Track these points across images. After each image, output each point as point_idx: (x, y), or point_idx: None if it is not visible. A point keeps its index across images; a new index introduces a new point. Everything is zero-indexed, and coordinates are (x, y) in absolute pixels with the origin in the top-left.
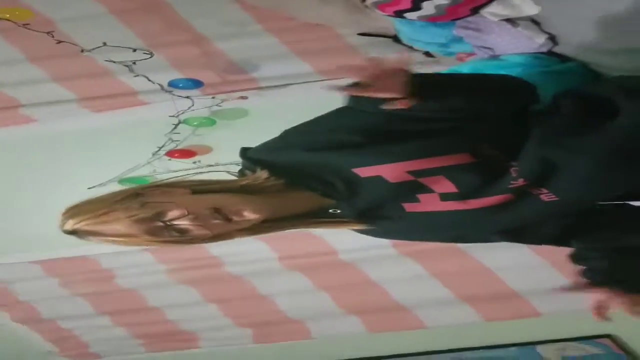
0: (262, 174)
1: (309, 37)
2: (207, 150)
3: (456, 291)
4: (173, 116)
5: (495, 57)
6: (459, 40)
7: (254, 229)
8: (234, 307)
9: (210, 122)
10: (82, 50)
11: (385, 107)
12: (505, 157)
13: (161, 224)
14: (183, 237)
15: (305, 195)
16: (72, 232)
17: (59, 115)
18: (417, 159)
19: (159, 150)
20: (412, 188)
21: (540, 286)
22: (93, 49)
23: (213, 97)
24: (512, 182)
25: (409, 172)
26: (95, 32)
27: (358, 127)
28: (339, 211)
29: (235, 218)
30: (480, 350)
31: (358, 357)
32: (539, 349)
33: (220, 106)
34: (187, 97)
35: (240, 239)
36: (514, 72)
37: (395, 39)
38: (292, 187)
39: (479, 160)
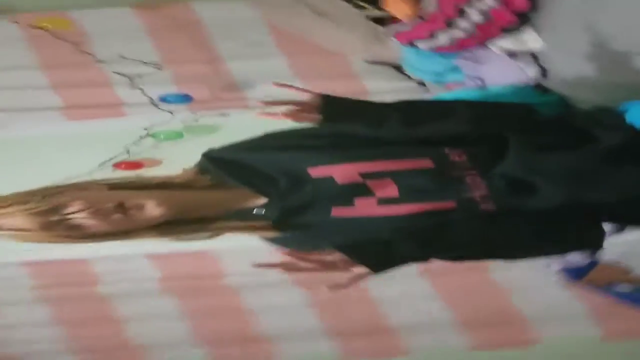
0: (194, 170)
1: (319, 61)
2: (156, 163)
3: (327, 325)
4: (145, 129)
5: (481, 87)
6: (454, 69)
7: (162, 231)
8: (80, 330)
9: (177, 135)
10: (98, 61)
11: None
12: (472, 165)
13: (57, 217)
14: (76, 233)
15: (231, 194)
16: None
17: (31, 120)
18: (372, 161)
19: (108, 160)
20: (355, 190)
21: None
22: (108, 60)
23: (194, 113)
24: (465, 191)
25: (360, 174)
26: (122, 44)
27: (325, 133)
28: (264, 212)
29: (136, 213)
30: None
31: None
32: None
33: (197, 121)
34: (170, 111)
35: (147, 239)
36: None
37: (397, 68)
38: (221, 185)
39: (438, 166)
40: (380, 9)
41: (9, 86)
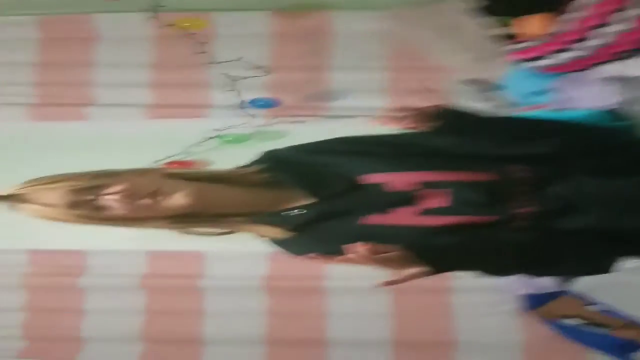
0: (253, 168)
1: (417, 78)
2: (205, 164)
3: (267, 333)
4: (216, 130)
5: (560, 109)
6: (547, 91)
7: (175, 221)
8: (41, 318)
9: (243, 139)
10: (210, 62)
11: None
12: (533, 182)
13: (89, 197)
14: (97, 214)
15: (281, 194)
16: (4, 198)
17: (110, 117)
18: (433, 171)
19: (162, 159)
20: (402, 199)
21: None
22: (221, 62)
23: (274, 118)
24: (513, 207)
25: (418, 182)
26: (243, 47)
27: (392, 142)
28: (301, 212)
29: (161, 201)
30: None
31: None
32: None
33: (270, 127)
34: (251, 115)
35: (157, 228)
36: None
37: (489, 89)
38: (276, 184)
39: (496, 180)
40: (511, 27)
41: (110, 82)
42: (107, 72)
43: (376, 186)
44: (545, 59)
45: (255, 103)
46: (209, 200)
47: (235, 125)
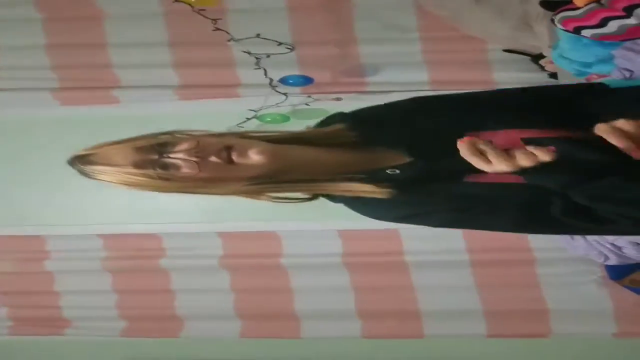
0: (338, 126)
1: (455, 48)
2: None
3: (358, 307)
4: (253, 110)
5: (627, 79)
6: (605, 61)
7: (250, 185)
8: (132, 299)
9: (284, 119)
10: (229, 40)
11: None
12: None
13: (155, 156)
14: (166, 173)
15: (373, 153)
16: (72, 161)
17: (142, 99)
18: (536, 129)
19: None
20: None
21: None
22: (240, 39)
23: (309, 96)
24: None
25: (523, 139)
26: (261, 23)
27: (484, 98)
28: (398, 171)
29: (237, 159)
30: None
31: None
32: None
33: (308, 105)
34: (285, 93)
35: (231, 194)
36: None
37: (533, 58)
38: (364, 143)
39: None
40: None
41: (132, 63)
42: (124, 53)
43: None
44: (599, 27)
45: (287, 81)
46: (291, 160)
47: (271, 105)
